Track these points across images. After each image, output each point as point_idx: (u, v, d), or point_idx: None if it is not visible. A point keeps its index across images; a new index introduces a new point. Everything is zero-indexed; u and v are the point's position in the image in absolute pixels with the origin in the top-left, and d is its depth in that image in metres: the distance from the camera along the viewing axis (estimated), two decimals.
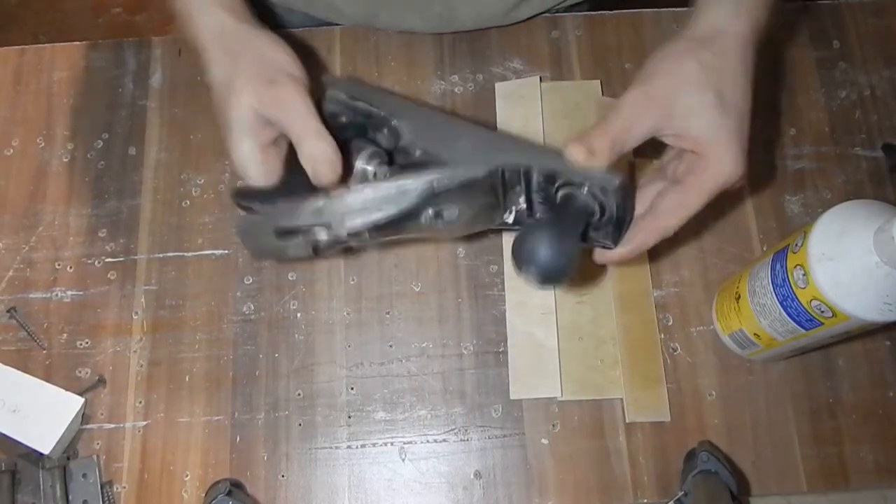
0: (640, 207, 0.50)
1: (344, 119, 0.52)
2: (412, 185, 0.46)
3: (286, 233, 0.47)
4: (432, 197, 0.46)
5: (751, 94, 0.48)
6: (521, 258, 0.43)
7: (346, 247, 0.48)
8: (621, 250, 0.49)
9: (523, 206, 0.49)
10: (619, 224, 0.48)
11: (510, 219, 0.50)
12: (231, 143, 0.49)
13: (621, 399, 0.61)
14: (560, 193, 0.47)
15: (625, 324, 0.62)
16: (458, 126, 0.51)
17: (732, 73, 0.47)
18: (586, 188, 0.46)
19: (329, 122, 0.48)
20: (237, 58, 0.50)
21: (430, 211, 0.46)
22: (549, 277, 0.43)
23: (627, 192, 0.47)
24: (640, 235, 0.49)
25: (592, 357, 0.62)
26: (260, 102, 0.48)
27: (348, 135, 0.51)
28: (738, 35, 0.48)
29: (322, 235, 0.46)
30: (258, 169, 0.49)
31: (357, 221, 0.46)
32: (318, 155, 0.47)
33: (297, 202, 0.47)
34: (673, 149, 0.51)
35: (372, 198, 0.46)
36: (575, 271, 0.44)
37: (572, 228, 0.45)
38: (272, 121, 0.48)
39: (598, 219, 0.47)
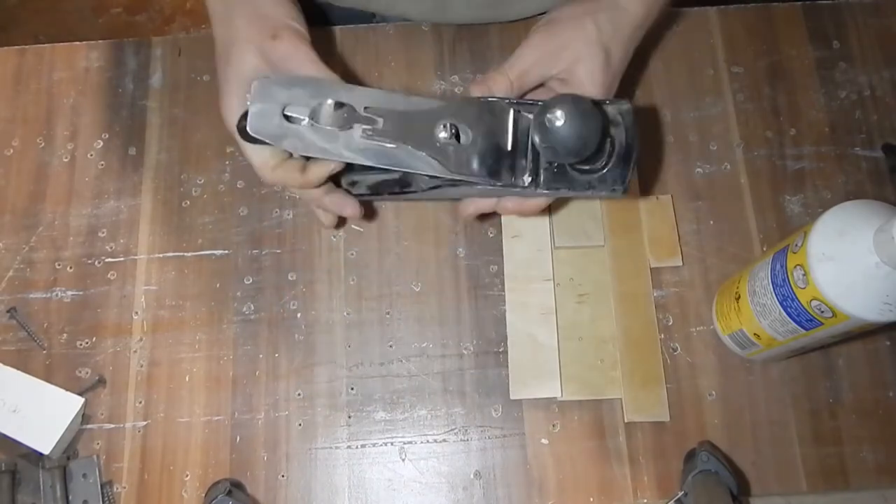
0: None
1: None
2: (422, 100, 0.48)
3: (292, 119, 0.47)
4: (444, 111, 0.47)
5: (625, 67, 0.55)
6: (549, 107, 0.44)
7: (342, 155, 0.48)
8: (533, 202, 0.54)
9: (531, 166, 0.49)
10: (628, 157, 0.48)
11: (526, 181, 0.49)
12: (225, 103, 0.51)
13: (621, 399, 0.61)
14: None
15: (625, 324, 0.62)
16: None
17: (621, 42, 0.54)
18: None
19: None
20: (235, 16, 0.51)
21: (446, 125, 0.47)
22: (575, 124, 0.44)
23: (636, 121, 0.49)
24: None
25: (592, 357, 0.62)
26: (263, 59, 0.49)
27: None
28: (633, 15, 0.54)
29: (328, 117, 0.47)
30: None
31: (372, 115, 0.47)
32: None
33: (321, 85, 0.48)
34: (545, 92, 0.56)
35: (394, 103, 0.48)
36: (593, 145, 0.45)
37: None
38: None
39: (606, 160, 0.48)
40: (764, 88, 0.70)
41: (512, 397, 0.61)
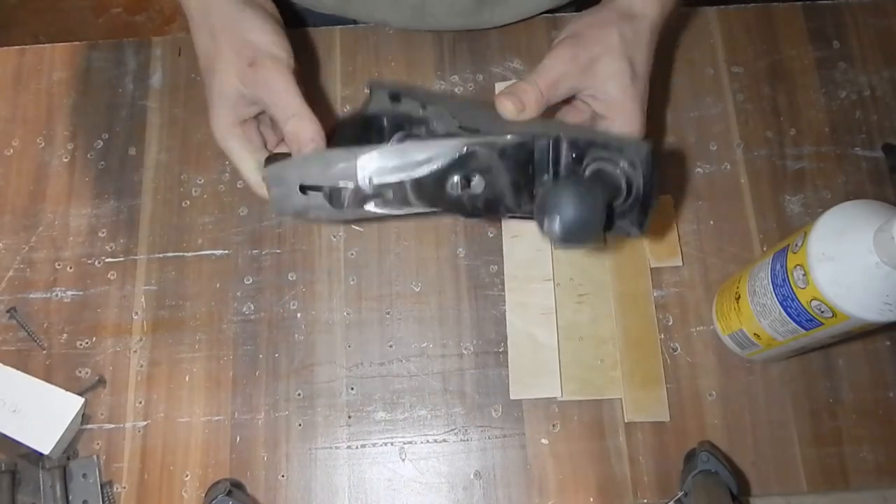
0: None
1: (385, 122, 0.54)
2: (441, 149, 0.46)
3: (310, 188, 0.48)
4: (461, 162, 0.47)
5: (650, 70, 0.55)
6: (546, 209, 0.43)
7: (366, 214, 0.48)
8: None
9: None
10: (646, 202, 0.47)
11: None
12: (212, 116, 0.52)
13: (621, 399, 0.61)
14: (589, 169, 0.47)
15: (625, 324, 0.62)
16: (495, 112, 0.52)
17: (642, 47, 0.54)
18: (615, 164, 0.46)
19: (371, 122, 0.51)
20: (218, 36, 0.51)
21: (458, 178, 0.47)
22: (573, 231, 0.43)
23: (656, 164, 0.47)
24: None
25: (592, 357, 0.62)
26: (242, 83, 0.50)
27: (388, 137, 0.53)
28: (650, 19, 0.54)
29: (346, 187, 0.47)
30: (238, 140, 0.52)
31: (385, 179, 0.47)
32: (301, 133, 0.49)
33: (329, 160, 0.48)
34: (574, 111, 0.56)
35: (400, 160, 0.47)
36: (598, 235, 0.45)
37: (600, 192, 0.45)
38: (254, 101, 0.51)
39: (623, 201, 0.47)
40: (764, 88, 0.70)
41: (512, 397, 0.61)
